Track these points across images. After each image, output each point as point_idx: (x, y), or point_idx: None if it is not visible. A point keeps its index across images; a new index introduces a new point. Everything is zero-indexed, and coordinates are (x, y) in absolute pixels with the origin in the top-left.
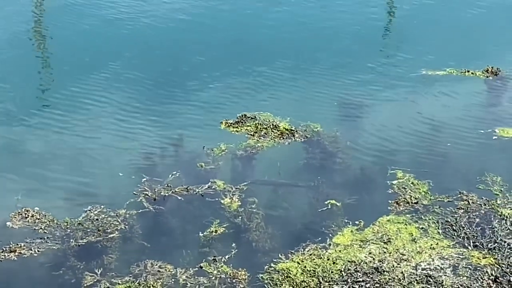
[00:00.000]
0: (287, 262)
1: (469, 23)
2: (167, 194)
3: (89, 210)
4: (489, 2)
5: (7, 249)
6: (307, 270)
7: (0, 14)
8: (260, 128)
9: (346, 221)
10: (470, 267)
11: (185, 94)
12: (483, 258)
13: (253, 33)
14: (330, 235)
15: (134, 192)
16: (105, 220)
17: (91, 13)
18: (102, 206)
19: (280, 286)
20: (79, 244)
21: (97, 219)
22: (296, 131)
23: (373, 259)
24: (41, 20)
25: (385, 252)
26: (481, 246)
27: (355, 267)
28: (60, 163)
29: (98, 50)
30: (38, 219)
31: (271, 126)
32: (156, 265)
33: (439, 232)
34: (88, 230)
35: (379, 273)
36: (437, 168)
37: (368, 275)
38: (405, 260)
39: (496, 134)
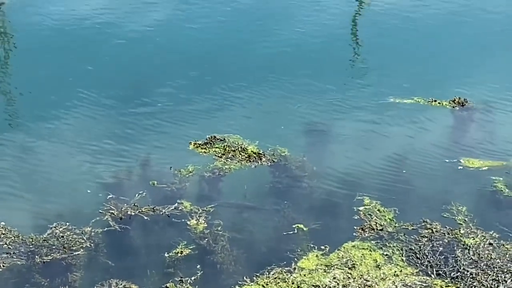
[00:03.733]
0: (252, 285)
1: (440, 52)
2: (133, 214)
3: (54, 227)
4: (462, 31)
5: None
6: None
7: None
8: (228, 150)
9: (311, 245)
10: None
11: (154, 114)
12: (446, 286)
13: (223, 55)
14: (295, 259)
15: (100, 211)
16: (70, 238)
17: (56, 34)
18: (67, 223)
19: None
20: (44, 260)
21: (62, 236)
22: (264, 154)
23: (338, 284)
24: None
25: (349, 278)
26: (444, 275)
27: None
28: (26, 179)
29: (62, 71)
30: (3, 234)
31: (239, 149)
32: (121, 284)
33: (403, 260)
34: (53, 246)
35: None
36: (403, 196)
37: None
38: (369, 286)
39: (462, 164)
